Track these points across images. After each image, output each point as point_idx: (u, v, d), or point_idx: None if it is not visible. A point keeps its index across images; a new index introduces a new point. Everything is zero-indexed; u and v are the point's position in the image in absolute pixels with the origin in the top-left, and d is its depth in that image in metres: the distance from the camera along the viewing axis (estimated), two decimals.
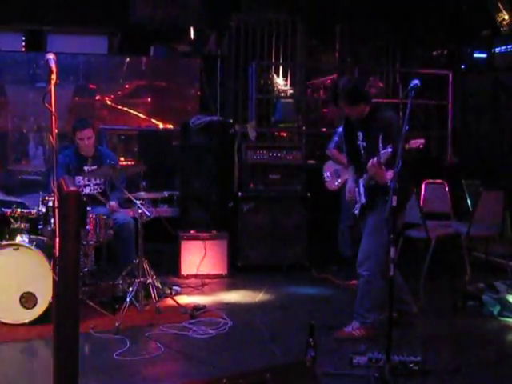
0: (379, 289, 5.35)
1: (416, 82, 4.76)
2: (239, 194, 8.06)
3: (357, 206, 5.62)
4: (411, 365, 4.68)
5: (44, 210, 5.98)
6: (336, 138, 7.69)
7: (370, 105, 5.49)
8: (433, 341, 5.51)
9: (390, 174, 4.97)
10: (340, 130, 7.50)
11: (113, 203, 6.81)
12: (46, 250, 5.62)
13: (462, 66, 9.38)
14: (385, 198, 4.85)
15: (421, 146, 5.50)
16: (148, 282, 6.16)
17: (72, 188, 3.43)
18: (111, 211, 6.74)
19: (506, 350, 5.39)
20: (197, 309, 6.12)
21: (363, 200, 5.53)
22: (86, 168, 6.86)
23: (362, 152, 5.51)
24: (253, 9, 9.91)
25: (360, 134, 5.50)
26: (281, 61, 10.12)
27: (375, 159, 5.11)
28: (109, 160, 6.94)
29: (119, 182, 6.63)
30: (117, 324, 5.50)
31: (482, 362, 5.05)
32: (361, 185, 5.55)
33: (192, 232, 7.76)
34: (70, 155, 6.89)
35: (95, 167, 6.82)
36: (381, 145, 5.18)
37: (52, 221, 5.70)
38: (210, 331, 5.59)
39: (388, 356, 4.48)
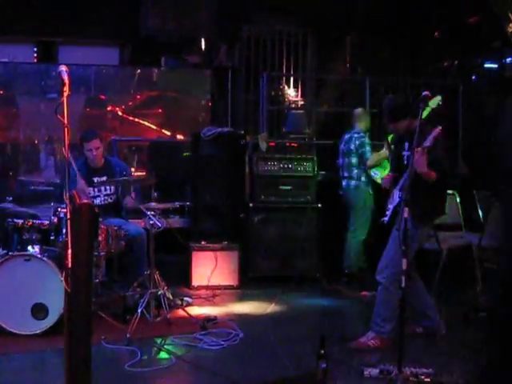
0: (396, 299, 5.31)
1: (426, 93, 4.76)
2: (250, 204, 8.07)
3: (387, 213, 5.60)
4: (423, 377, 4.66)
5: (56, 221, 6.00)
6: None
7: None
8: (444, 352, 5.48)
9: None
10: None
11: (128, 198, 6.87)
12: (58, 260, 5.63)
13: (473, 77, 9.37)
14: (414, 208, 4.86)
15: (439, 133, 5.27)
16: (159, 293, 6.17)
17: (85, 200, 3.46)
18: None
19: None
20: (208, 320, 6.12)
21: (394, 203, 5.53)
22: (95, 179, 6.87)
23: (405, 162, 5.51)
24: (263, 20, 9.93)
25: (406, 144, 5.54)
26: (291, 72, 10.15)
27: (419, 148, 5.10)
28: (119, 169, 6.95)
29: (130, 193, 6.68)
30: (128, 335, 5.51)
31: None
32: (396, 193, 5.54)
33: (203, 243, 7.78)
34: (80, 166, 6.90)
35: (105, 178, 6.84)
36: None
37: (64, 232, 5.72)
38: (222, 342, 5.58)
39: (399, 368, 4.47)
